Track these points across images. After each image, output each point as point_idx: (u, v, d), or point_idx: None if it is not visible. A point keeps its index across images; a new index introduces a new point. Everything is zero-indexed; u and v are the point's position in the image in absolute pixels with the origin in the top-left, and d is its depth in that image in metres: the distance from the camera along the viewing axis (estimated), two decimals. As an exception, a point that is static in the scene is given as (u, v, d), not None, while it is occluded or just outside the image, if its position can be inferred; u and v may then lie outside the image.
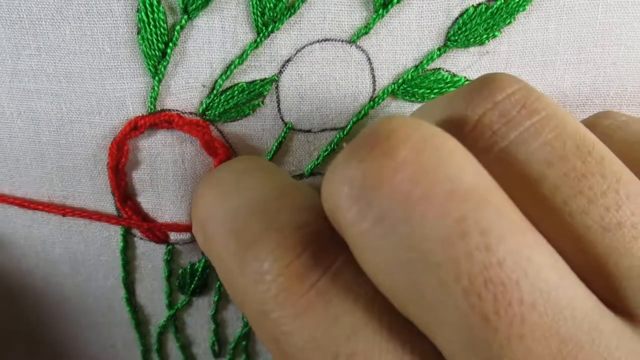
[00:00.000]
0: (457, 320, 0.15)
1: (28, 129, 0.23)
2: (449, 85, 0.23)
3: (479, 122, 0.17)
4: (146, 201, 0.24)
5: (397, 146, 0.15)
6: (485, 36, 0.22)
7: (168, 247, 0.26)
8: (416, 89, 0.23)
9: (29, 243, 0.26)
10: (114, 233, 0.25)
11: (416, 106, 0.23)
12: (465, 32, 0.22)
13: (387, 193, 0.14)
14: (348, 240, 0.16)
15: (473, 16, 0.22)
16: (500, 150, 0.17)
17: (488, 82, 0.17)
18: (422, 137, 0.15)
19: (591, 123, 0.21)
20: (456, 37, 0.22)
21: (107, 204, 0.24)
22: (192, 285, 0.26)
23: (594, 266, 0.16)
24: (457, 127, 0.17)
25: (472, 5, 0.21)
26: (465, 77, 0.23)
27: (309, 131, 0.24)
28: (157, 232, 0.25)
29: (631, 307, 0.17)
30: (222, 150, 0.23)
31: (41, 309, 0.28)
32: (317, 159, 0.24)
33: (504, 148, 0.17)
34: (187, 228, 0.25)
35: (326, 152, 0.24)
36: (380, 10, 0.21)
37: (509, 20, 0.22)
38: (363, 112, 0.23)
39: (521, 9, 0.21)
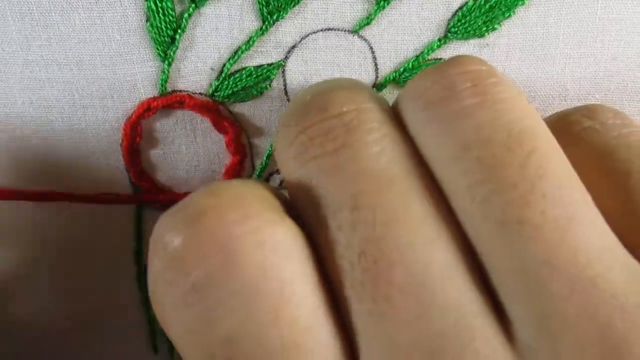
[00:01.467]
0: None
1: (40, 117, 0.24)
2: (449, 75, 0.23)
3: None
4: (161, 174, 0.25)
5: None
6: (484, 29, 0.22)
7: None
8: (417, 78, 0.23)
9: (45, 234, 0.27)
10: (127, 208, 0.26)
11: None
12: (465, 24, 0.22)
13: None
14: None
15: (472, 9, 0.22)
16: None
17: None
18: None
19: (573, 121, 0.19)
20: (456, 29, 0.22)
21: (122, 182, 0.25)
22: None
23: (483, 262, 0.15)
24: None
25: (472, -2, 0.22)
26: (465, 68, 0.23)
27: (314, 115, 0.24)
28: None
29: (506, 310, 0.15)
30: (232, 129, 0.24)
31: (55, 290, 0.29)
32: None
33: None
34: None
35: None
36: (381, 2, 0.22)
37: (508, 14, 0.22)
38: (365, 99, 0.23)
39: (520, 3, 0.21)
